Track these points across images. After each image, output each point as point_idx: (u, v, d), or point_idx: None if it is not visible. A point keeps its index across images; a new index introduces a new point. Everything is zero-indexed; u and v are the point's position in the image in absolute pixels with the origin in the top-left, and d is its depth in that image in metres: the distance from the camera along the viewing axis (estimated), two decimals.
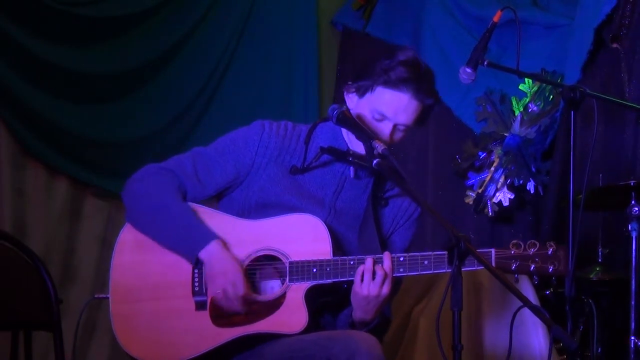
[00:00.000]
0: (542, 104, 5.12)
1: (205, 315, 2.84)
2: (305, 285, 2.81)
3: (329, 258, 2.82)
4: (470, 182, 5.27)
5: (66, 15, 4.60)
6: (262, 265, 2.88)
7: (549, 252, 2.79)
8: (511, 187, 5.17)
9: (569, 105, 3.07)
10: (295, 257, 2.83)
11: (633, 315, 3.92)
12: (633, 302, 3.92)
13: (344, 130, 2.97)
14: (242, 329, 2.81)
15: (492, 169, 5.19)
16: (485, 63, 3.18)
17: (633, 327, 3.91)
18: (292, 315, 2.80)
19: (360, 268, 2.79)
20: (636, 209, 3.91)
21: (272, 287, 2.87)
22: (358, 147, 2.89)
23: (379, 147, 2.76)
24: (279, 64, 5.64)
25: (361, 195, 2.99)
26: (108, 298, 2.90)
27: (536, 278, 2.84)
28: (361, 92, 2.93)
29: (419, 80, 2.88)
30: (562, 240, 2.91)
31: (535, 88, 5.14)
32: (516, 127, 5.15)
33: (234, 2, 5.44)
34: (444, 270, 2.78)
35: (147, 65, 5.03)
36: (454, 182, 5.38)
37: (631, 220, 3.93)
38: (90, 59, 4.79)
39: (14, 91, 4.45)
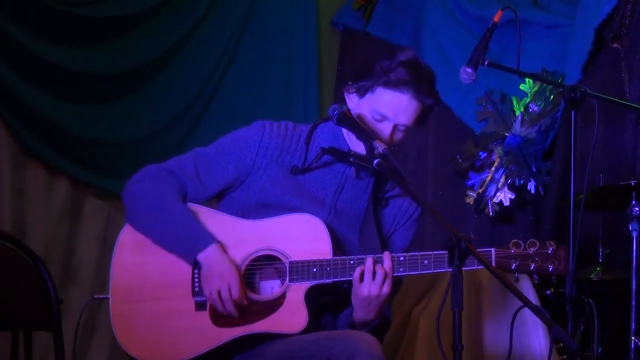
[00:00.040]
0: (543, 104, 5.12)
1: (205, 315, 2.84)
2: (305, 285, 2.81)
3: (329, 258, 2.82)
4: (470, 182, 5.27)
5: (66, 15, 4.60)
6: (262, 265, 2.87)
7: (549, 252, 2.79)
8: (512, 187, 5.17)
9: (570, 105, 3.06)
10: (295, 257, 2.83)
11: (633, 315, 3.92)
12: (633, 302, 3.92)
13: (344, 131, 2.96)
14: (242, 329, 2.81)
15: (493, 169, 5.19)
16: (485, 63, 3.17)
17: (633, 327, 3.91)
18: (292, 315, 2.80)
19: (360, 268, 2.78)
20: (636, 209, 3.91)
21: (272, 287, 2.87)
22: (359, 147, 2.89)
23: (380, 147, 2.76)
24: (279, 64, 5.64)
25: (362, 196, 2.99)
26: (108, 298, 2.90)
27: (536, 277, 2.84)
28: (361, 93, 2.93)
29: (419, 80, 2.87)
30: (562, 240, 2.90)
31: (535, 88, 5.14)
32: (517, 127, 5.15)
33: (234, 2, 5.44)
34: (444, 270, 2.78)
35: (147, 65, 5.03)
36: (454, 182, 5.38)
37: (631, 220, 3.94)
38: (90, 59, 4.79)
39: (14, 91, 4.45)
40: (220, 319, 2.83)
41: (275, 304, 2.82)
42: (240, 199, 2.96)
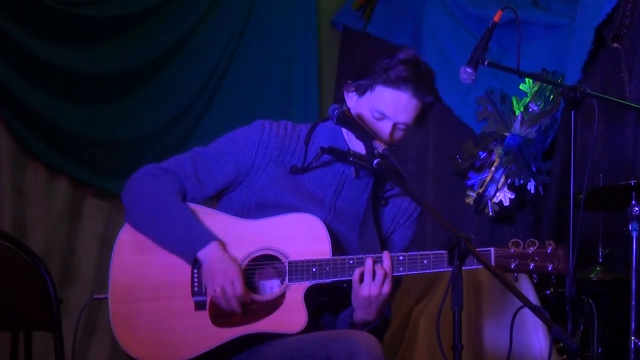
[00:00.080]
0: (543, 104, 5.12)
1: (204, 315, 2.84)
2: (304, 284, 2.81)
3: (328, 258, 2.82)
4: (470, 182, 5.27)
5: (66, 15, 4.60)
6: (261, 265, 2.87)
7: (548, 251, 2.79)
8: (512, 187, 5.17)
9: (570, 105, 3.06)
10: (294, 257, 2.83)
11: (633, 315, 3.92)
12: (633, 302, 3.92)
13: (344, 130, 2.96)
14: (241, 329, 2.81)
15: (493, 168, 5.19)
16: (485, 63, 3.17)
17: (633, 327, 3.91)
18: (292, 315, 2.80)
19: (359, 270, 2.78)
20: (636, 208, 3.91)
21: (271, 287, 2.87)
22: (358, 147, 2.89)
23: (379, 147, 2.76)
24: (279, 64, 5.64)
25: (361, 195, 2.99)
26: (107, 298, 2.90)
27: (535, 277, 2.83)
28: (361, 91, 2.93)
29: (418, 79, 2.87)
30: (562, 240, 2.90)
31: (535, 88, 5.14)
32: (517, 127, 5.15)
33: (234, 2, 5.44)
34: (444, 269, 2.78)
35: (147, 65, 5.03)
36: (454, 182, 5.38)
37: (631, 220, 3.94)
38: (90, 59, 4.79)
39: (14, 91, 4.45)
40: (220, 318, 2.83)
41: (274, 304, 2.82)
42: (239, 199, 2.96)
